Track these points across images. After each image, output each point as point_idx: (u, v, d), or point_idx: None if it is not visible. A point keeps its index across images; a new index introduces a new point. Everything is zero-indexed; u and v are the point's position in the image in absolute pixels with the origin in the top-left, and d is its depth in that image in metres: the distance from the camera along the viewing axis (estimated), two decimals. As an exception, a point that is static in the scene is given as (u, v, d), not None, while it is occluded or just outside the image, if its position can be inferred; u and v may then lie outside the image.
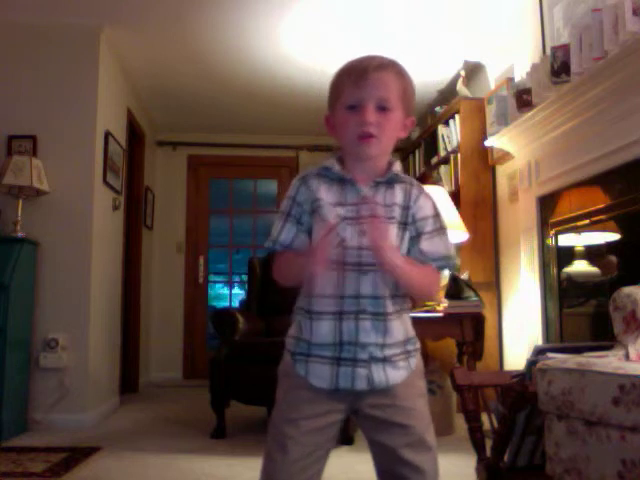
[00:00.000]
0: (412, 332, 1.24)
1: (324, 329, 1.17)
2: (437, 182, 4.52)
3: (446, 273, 3.45)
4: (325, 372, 1.17)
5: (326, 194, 1.21)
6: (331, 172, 1.23)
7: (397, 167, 1.24)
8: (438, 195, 3.51)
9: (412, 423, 1.18)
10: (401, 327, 1.21)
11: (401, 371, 1.19)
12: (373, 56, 1.24)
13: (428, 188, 3.98)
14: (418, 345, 1.25)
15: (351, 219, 1.18)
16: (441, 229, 1.24)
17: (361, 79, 1.18)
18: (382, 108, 1.18)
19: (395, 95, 1.19)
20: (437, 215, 1.25)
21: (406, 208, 1.21)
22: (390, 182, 1.22)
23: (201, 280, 6.09)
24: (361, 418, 1.22)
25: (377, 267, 1.15)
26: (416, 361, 1.23)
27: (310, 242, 1.21)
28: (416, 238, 1.22)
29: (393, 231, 1.19)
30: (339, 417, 1.21)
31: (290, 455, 1.16)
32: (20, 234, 3.46)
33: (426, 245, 1.22)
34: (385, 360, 1.18)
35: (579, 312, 3.10)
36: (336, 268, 1.16)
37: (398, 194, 1.22)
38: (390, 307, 1.18)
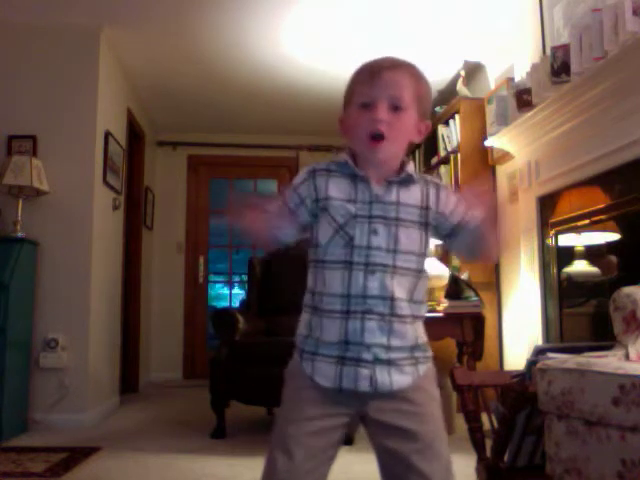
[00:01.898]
0: (423, 339, 1.21)
1: (331, 327, 1.15)
2: (437, 182, 4.51)
3: (446, 274, 3.45)
4: (330, 371, 1.15)
5: (336, 191, 1.18)
6: (344, 168, 1.20)
7: (411, 168, 1.21)
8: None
9: (422, 429, 1.15)
10: (411, 332, 1.18)
11: (407, 376, 1.16)
12: (388, 57, 1.23)
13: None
14: (429, 354, 1.22)
15: (361, 217, 1.16)
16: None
17: (375, 77, 1.17)
18: (395, 108, 1.16)
19: (408, 95, 1.17)
20: (459, 199, 1.22)
21: (425, 208, 1.19)
22: (403, 183, 1.19)
23: (201, 280, 6.09)
24: (369, 424, 1.19)
25: (387, 268, 1.14)
26: (426, 368, 1.20)
27: (311, 237, 1.21)
28: (458, 227, 1.20)
29: (408, 231, 1.17)
30: (344, 420, 1.17)
31: (293, 457, 1.12)
32: (20, 234, 3.46)
33: (468, 218, 1.19)
34: (390, 363, 1.15)
35: (579, 312, 3.10)
36: (344, 267, 1.15)
37: (414, 195, 1.19)
38: (403, 310, 1.16)
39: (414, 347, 1.19)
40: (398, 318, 1.15)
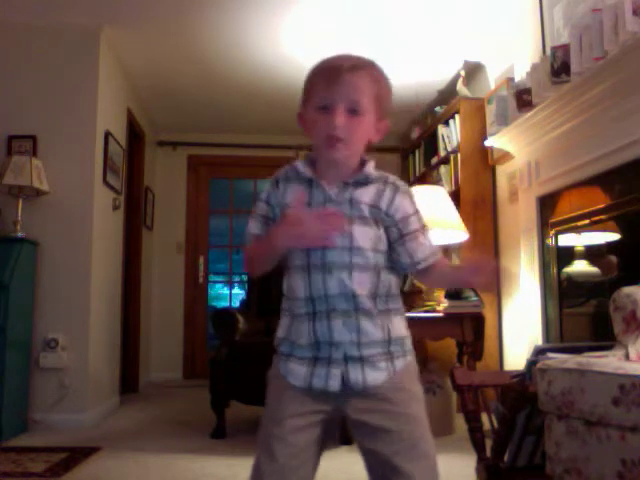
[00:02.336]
0: (401, 334, 1.20)
1: (302, 330, 1.17)
2: (437, 182, 4.52)
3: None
4: (301, 371, 1.17)
5: (293, 197, 1.20)
6: (300, 172, 1.22)
7: (369, 167, 1.21)
8: (438, 195, 3.52)
9: (404, 428, 1.15)
10: (381, 326, 1.17)
11: (381, 372, 1.16)
12: (348, 56, 1.22)
13: (426, 188, 3.96)
14: (408, 348, 1.21)
15: None
16: (423, 227, 1.22)
17: (333, 80, 1.16)
18: (353, 111, 1.16)
19: (367, 98, 1.17)
20: (416, 212, 1.22)
21: (376, 207, 1.18)
22: (359, 183, 1.19)
23: (201, 280, 6.09)
24: (351, 424, 1.19)
25: (343, 266, 1.15)
26: (403, 364, 1.19)
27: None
28: (399, 240, 1.19)
29: (361, 229, 1.17)
30: (321, 417, 1.18)
31: (277, 459, 1.14)
32: (20, 234, 3.46)
33: (412, 246, 1.20)
34: (362, 359, 1.15)
35: (579, 312, 3.10)
36: (304, 270, 1.17)
37: (369, 193, 1.18)
38: (367, 304, 1.16)
39: (388, 341, 1.18)
40: (364, 313, 1.16)
